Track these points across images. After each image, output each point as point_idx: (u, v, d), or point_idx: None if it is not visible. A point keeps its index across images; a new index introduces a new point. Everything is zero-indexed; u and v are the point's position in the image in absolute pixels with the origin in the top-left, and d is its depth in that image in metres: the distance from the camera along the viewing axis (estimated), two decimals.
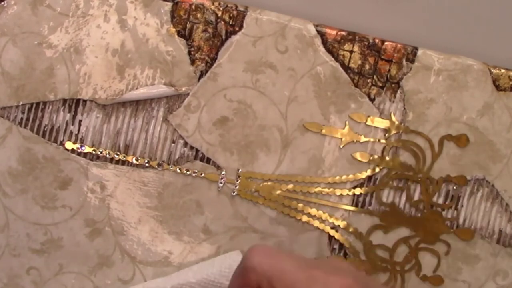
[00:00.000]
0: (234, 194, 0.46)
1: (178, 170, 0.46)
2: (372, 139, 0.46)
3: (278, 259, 0.37)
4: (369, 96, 0.46)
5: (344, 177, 0.46)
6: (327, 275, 0.36)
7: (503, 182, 0.47)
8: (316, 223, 0.46)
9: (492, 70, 0.46)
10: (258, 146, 0.46)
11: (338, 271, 0.36)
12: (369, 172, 0.46)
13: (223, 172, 0.46)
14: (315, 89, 0.46)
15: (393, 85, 0.46)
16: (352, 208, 0.46)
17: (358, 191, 0.46)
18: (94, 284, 0.46)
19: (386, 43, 0.46)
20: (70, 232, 0.46)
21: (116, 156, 0.46)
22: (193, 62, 0.45)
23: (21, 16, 0.44)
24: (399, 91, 0.46)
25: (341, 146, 0.46)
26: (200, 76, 0.45)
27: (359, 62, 0.46)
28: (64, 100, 0.45)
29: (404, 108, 0.46)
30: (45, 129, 0.45)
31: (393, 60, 0.46)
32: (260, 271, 0.36)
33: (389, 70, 0.46)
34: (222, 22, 0.45)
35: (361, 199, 0.46)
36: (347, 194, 0.46)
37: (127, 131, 0.46)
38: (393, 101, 0.46)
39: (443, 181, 0.46)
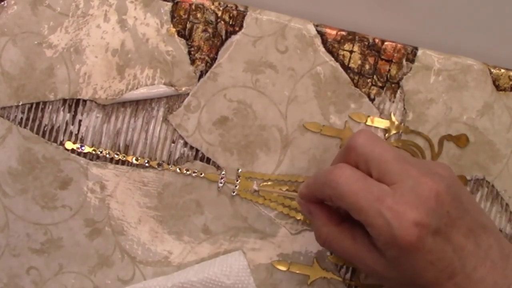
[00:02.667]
0: (234, 194, 0.46)
1: (178, 170, 0.46)
2: None
3: (380, 145, 0.38)
4: (369, 96, 0.46)
5: None
6: (421, 174, 0.36)
7: (503, 182, 0.47)
8: None
9: (492, 70, 0.46)
10: (258, 146, 0.46)
11: (433, 175, 0.37)
12: None
13: (223, 172, 0.46)
14: (315, 89, 0.46)
15: (393, 85, 0.46)
16: None
17: None
18: (94, 284, 0.46)
19: (386, 43, 0.46)
20: (70, 232, 0.46)
21: (116, 156, 0.46)
22: (193, 62, 0.45)
23: (21, 16, 0.44)
24: (399, 91, 0.46)
25: (341, 146, 0.46)
26: (200, 76, 0.45)
27: (359, 62, 0.46)
28: (64, 100, 0.45)
29: (404, 108, 0.46)
30: (45, 129, 0.45)
31: (393, 60, 0.46)
32: (360, 152, 0.38)
33: (389, 70, 0.46)
34: (222, 22, 0.45)
35: None
36: None
37: (127, 131, 0.46)
38: (393, 101, 0.46)
39: None
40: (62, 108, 0.45)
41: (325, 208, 0.41)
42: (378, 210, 0.35)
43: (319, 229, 0.41)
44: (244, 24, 0.45)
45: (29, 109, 0.45)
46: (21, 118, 0.45)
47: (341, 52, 0.46)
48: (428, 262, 0.36)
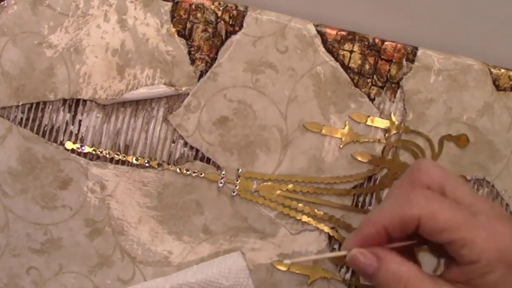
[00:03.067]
0: (234, 194, 0.46)
1: (178, 170, 0.46)
2: (372, 139, 0.46)
3: (448, 172, 0.35)
4: (369, 96, 0.46)
5: (344, 177, 0.46)
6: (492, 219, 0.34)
7: (503, 182, 0.47)
8: (316, 223, 0.46)
9: (492, 70, 0.46)
10: (258, 146, 0.46)
11: (503, 218, 0.34)
12: (369, 172, 0.46)
13: (223, 172, 0.46)
14: (315, 89, 0.46)
15: (393, 85, 0.46)
16: (352, 208, 0.46)
17: (358, 191, 0.46)
18: (94, 284, 0.46)
19: (386, 43, 0.46)
20: (70, 232, 0.46)
21: (116, 156, 0.46)
22: (193, 62, 0.45)
23: (21, 16, 0.44)
24: (399, 91, 0.46)
25: (341, 146, 0.46)
26: (200, 76, 0.45)
27: (359, 62, 0.46)
28: (64, 100, 0.45)
29: (404, 108, 0.46)
30: (45, 129, 0.45)
31: (393, 60, 0.46)
32: (432, 174, 0.35)
33: (389, 70, 0.46)
34: (222, 22, 0.45)
35: (361, 199, 0.46)
36: (347, 194, 0.46)
37: (127, 131, 0.46)
38: (393, 101, 0.46)
39: None
40: (62, 108, 0.45)
41: (393, 250, 0.35)
42: (475, 226, 0.32)
43: (397, 271, 0.34)
44: (244, 24, 0.45)
45: (29, 109, 0.45)
46: (21, 118, 0.45)
47: (341, 52, 0.46)
48: None
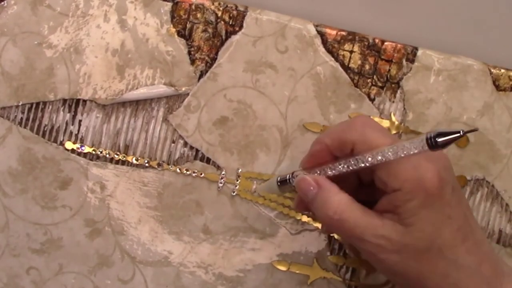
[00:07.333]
0: (234, 194, 0.46)
1: (178, 170, 0.46)
2: None
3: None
4: (369, 96, 0.46)
5: None
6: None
7: (503, 182, 0.47)
8: (316, 223, 0.46)
9: (492, 70, 0.46)
10: (258, 146, 0.46)
11: (433, 157, 0.37)
12: None
13: (223, 172, 0.46)
14: (315, 89, 0.46)
15: (393, 85, 0.46)
16: None
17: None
18: (94, 284, 0.46)
19: (386, 43, 0.46)
20: (70, 232, 0.46)
21: (116, 156, 0.46)
22: (193, 62, 0.45)
23: (21, 16, 0.44)
24: (399, 91, 0.46)
25: None
26: (200, 76, 0.45)
27: (359, 62, 0.46)
28: (64, 100, 0.45)
29: (404, 108, 0.46)
30: (45, 129, 0.45)
31: (393, 60, 0.46)
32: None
33: (389, 70, 0.46)
34: (222, 22, 0.45)
35: None
36: None
37: (127, 131, 0.46)
38: (393, 101, 0.46)
39: None
40: (62, 108, 0.45)
41: (333, 180, 0.38)
42: (403, 159, 0.35)
43: (330, 199, 0.37)
44: (244, 24, 0.45)
45: (29, 109, 0.45)
46: (21, 118, 0.45)
47: (341, 52, 0.46)
48: (447, 216, 0.36)
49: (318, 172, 0.39)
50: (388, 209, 0.36)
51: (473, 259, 0.36)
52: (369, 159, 0.36)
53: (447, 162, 0.37)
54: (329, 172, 0.38)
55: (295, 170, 0.40)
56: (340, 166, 0.38)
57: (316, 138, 0.40)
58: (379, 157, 0.35)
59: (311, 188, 0.38)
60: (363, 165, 0.36)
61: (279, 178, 0.42)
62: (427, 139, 0.32)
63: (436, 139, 0.32)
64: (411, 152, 0.34)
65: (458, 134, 0.32)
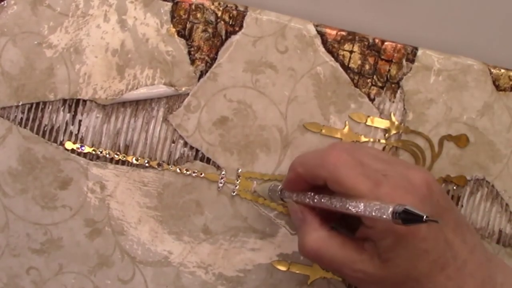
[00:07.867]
0: (234, 194, 0.46)
1: (178, 170, 0.46)
2: (372, 139, 0.46)
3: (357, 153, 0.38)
4: (369, 96, 0.46)
5: None
6: (407, 167, 0.37)
7: (503, 182, 0.47)
8: None
9: (492, 70, 0.46)
10: (258, 146, 0.46)
11: (418, 168, 0.37)
12: None
13: (223, 172, 0.46)
14: (315, 89, 0.46)
15: (393, 85, 0.46)
16: None
17: None
18: (94, 284, 0.46)
19: (386, 43, 0.46)
20: (70, 232, 0.46)
21: (116, 156, 0.46)
22: (193, 62, 0.45)
23: (21, 16, 0.44)
24: (399, 91, 0.46)
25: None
26: (200, 76, 0.45)
27: (359, 62, 0.46)
28: (64, 100, 0.45)
29: (404, 108, 0.46)
30: (45, 129, 0.45)
31: (393, 60, 0.46)
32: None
33: (389, 70, 0.46)
34: (222, 22, 0.45)
35: None
36: None
37: (127, 131, 0.46)
38: (393, 101, 0.46)
39: (443, 181, 0.46)
40: (62, 108, 0.45)
41: (317, 213, 0.39)
42: (375, 195, 0.35)
43: (308, 234, 0.38)
44: (244, 24, 0.45)
45: (29, 109, 0.45)
46: (21, 118, 0.45)
47: (341, 52, 0.46)
48: (423, 251, 0.35)
49: (301, 197, 0.40)
50: (368, 237, 0.37)
51: (454, 284, 0.36)
52: (350, 208, 0.36)
53: (427, 188, 0.36)
54: (311, 202, 0.39)
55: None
56: (323, 200, 0.38)
57: (291, 163, 0.41)
58: (354, 210, 0.35)
59: (297, 220, 0.40)
60: (343, 210, 0.36)
61: (271, 186, 0.44)
62: (392, 213, 0.31)
63: (401, 215, 0.31)
64: (380, 216, 0.33)
65: (421, 218, 0.30)
